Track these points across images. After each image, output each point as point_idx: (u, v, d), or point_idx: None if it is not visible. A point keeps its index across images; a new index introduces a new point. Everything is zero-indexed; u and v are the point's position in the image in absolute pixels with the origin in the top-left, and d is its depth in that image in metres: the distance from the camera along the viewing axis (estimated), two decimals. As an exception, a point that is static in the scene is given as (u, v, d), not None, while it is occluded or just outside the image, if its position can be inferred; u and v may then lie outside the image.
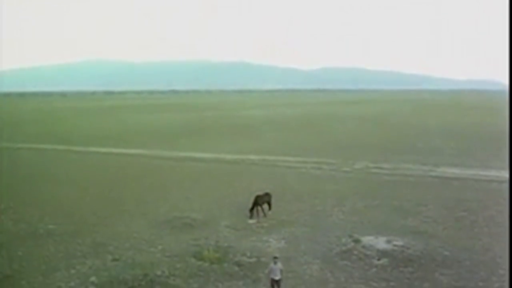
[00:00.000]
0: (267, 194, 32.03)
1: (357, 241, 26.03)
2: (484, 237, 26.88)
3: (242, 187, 40.06)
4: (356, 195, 37.13)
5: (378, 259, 23.50)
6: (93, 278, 21.47)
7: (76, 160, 58.67)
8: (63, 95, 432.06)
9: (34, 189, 40.85)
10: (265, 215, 31.26)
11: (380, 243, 25.70)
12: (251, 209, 30.84)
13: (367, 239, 26.26)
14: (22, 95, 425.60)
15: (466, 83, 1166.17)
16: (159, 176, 46.62)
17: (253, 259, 23.75)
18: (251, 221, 30.21)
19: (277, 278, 18.82)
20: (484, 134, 79.12)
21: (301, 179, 44.31)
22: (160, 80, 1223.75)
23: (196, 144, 71.21)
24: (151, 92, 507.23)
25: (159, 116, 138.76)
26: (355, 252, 24.47)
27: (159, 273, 22.00)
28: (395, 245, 25.27)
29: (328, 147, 65.98)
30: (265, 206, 31.75)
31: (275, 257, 19.35)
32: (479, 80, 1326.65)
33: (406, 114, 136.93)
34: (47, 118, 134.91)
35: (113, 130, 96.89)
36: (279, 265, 19.00)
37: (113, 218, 31.32)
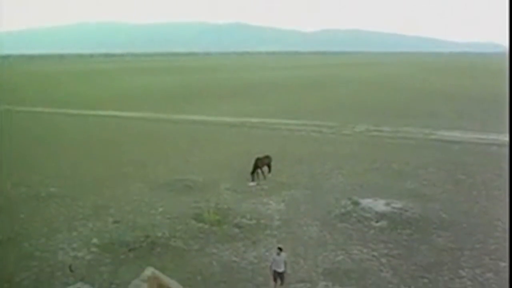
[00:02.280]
0: (267, 157, 32.11)
1: (356, 203, 26.21)
2: (482, 200, 27.07)
3: (242, 150, 40.09)
4: (355, 158, 37.23)
5: (377, 221, 23.71)
6: (94, 240, 21.71)
7: (75, 123, 58.58)
8: (61, 57, 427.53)
9: (34, 153, 40.92)
10: (265, 177, 31.42)
11: (379, 205, 25.87)
12: (252, 172, 30.94)
13: (366, 202, 26.43)
14: (19, 58, 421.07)
15: (468, 46, 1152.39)
16: (159, 139, 46.64)
17: (253, 221, 23.96)
18: (251, 184, 30.37)
19: (280, 270, 16.88)
20: (484, 97, 78.71)
21: (301, 142, 44.34)
22: (158, 42, 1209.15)
23: (196, 107, 70.94)
24: (150, 55, 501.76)
25: (158, 78, 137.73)
26: (354, 215, 24.66)
27: (159, 234, 22.23)
28: (393, 208, 25.44)
29: (329, 110, 65.76)
30: (265, 168, 31.88)
31: (279, 248, 17.18)
32: (480, 43, 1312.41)
33: (407, 77, 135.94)
34: (46, 81, 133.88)
35: (112, 93, 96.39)
36: (283, 256, 17.03)
37: (114, 181, 31.47)
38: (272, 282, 17.21)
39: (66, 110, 69.67)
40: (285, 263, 17.06)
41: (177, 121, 58.62)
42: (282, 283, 17.01)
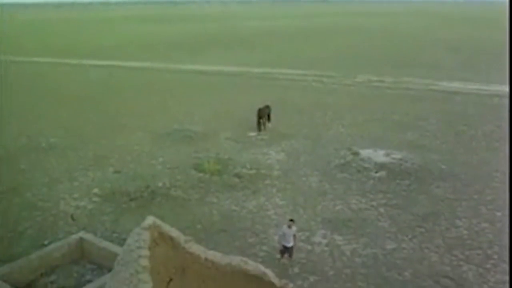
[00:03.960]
0: (267, 107, 31.98)
1: (356, 154, 26.29)
2: (482, 152, 27.12)
3: (243, 100, 39.89)
4: (356, 109, 37.08)
5: (376, 172, 23.83)
6: (96, 190, 21.89)
7: (73, 73, 58.01)
8: (58, 6, 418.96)
9: (33, 103, 40.71)
10: (264, 128, 31.38)
11: (379, 156, 25.96)
12: (258, 123, 30.88)
13: (366, 152, 26.50)
14: (14, 6, 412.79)
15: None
16: (159, 89, 46.32)
17: (253, 171, 24.10)
18: (251, 134, 30.38)
19: (289, 245, 15.35)
20: (488, 47, 77.52)
21: (302, 92, 44.05)
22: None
23: (196, 57, 70.07)
24: (149, 3, 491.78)
25: (157, 27, 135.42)
26: (354, 165, 24.77)
27: (160, 184, 22.40)
28: (393, 158, 25.53)
29: (330, 60, 64.97)
30: (265, 119, 31.79)
31: (291, 220, 15.39)
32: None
33: (409, 27, 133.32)
34: (42, 30, 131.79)
35: (111, 42, 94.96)
36: (294, 229, 15.29)
37: (113, 132, 31.46)
38: (279, 255, 15.83)
39: (65, 60, 68.82)
40: (295, 237, 15.53)
41: (177, 70, 58.03)
42: (290, 256, 15.70)
